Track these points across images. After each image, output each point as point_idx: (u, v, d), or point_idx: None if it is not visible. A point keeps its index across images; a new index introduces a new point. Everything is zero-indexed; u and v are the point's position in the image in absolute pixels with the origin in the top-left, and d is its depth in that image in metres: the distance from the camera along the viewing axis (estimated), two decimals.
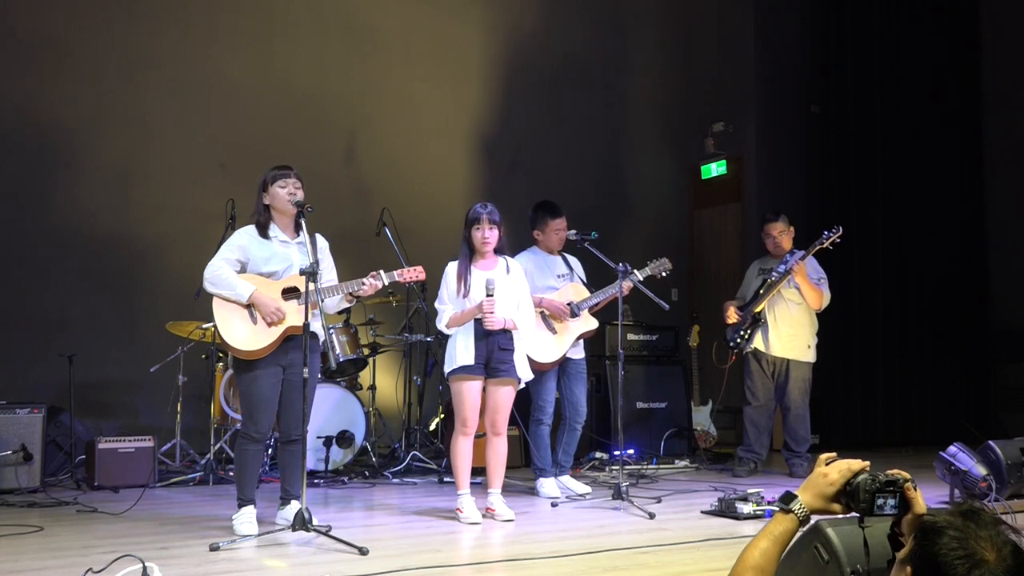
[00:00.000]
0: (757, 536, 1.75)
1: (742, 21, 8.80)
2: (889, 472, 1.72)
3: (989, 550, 1.31)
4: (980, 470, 4.77)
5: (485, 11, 8.38)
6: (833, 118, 8.44)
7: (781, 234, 6.19)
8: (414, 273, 4.42)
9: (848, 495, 1.71)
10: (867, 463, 1.73)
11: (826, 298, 6.08)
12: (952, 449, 4.92)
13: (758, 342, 6.11)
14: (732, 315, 6.17)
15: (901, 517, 1.70)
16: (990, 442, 4.91)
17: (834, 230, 5.91)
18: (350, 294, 4.28)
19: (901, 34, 8.63)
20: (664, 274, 5.53)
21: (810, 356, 6.14)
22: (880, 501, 1.68)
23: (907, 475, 1.72)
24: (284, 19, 7.58)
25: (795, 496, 1.75)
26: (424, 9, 8.10)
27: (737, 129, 8.78)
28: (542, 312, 5.29)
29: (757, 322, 6.10)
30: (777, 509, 1.77)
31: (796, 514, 1.73)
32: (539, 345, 5.24)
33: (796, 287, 6.00)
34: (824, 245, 5.95)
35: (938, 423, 8.20)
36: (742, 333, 6.11)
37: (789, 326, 6.07)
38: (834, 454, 1.79)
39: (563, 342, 5.36)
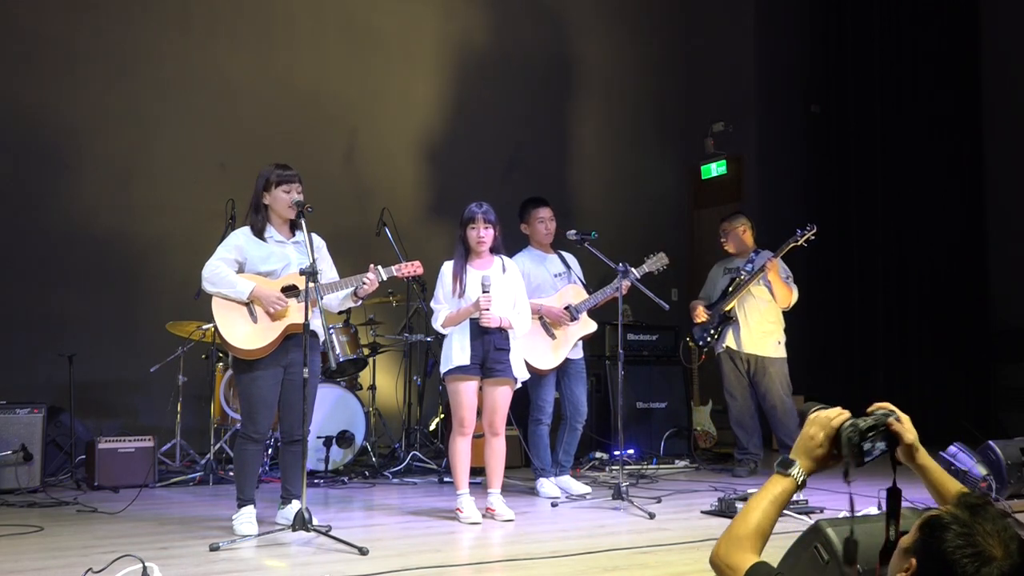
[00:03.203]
0: (755, 498, 1.73)
1: (742, 21, 8.80)
2: (870, 412, 1.71)
3: (996, 546, 1.30)
4: (980, 470, 4.77)
5: (485, 11, 8.38)
6: (833, 118, 8.45)
7: (744, 232, 6.21)
8: (411, 268, 4.43)
9: (838, 451, 1.70)
10: (846, 413, 1.71)
11: (794, 296, 6.08)
12: (952, 449, 4.92)
13: (729, 340, 6.11)
14: (701, 314, 6.18)
15: (893, 452, 1.71)
16: (990, 442, 4.91)
17: (808, 228, 5.89)
18: (354, 294, 4.27)
19: (901, 34, 8.63)
20: (662, 269, 5.50)
21: (782, 352, 6.14)
22: (868, 447, 1.67)
23: (887, 406, 1.72)
24: (284, 19, 7.58)
25: (794, 461, 1.74)
26: (424, 9, 8.10)
27: (737, 129, 8.78)
28: (540, 318, 5.28)
29: (727, 320, 6.10)
30: (775, 472, 1.75)
31: (795, 478, 1.72)
32: (538, 352, 5.22)
33: (767, 285, 6.00)
34: (799, 243, 5.93)
35: (938, 423, 8.19)
36: (712, 332, 6.12)
37: (760, 323, 6.08)
38: (818, 407, 1.75)
39: (562, 348, 5.34)
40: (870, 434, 1.67)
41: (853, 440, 1.66)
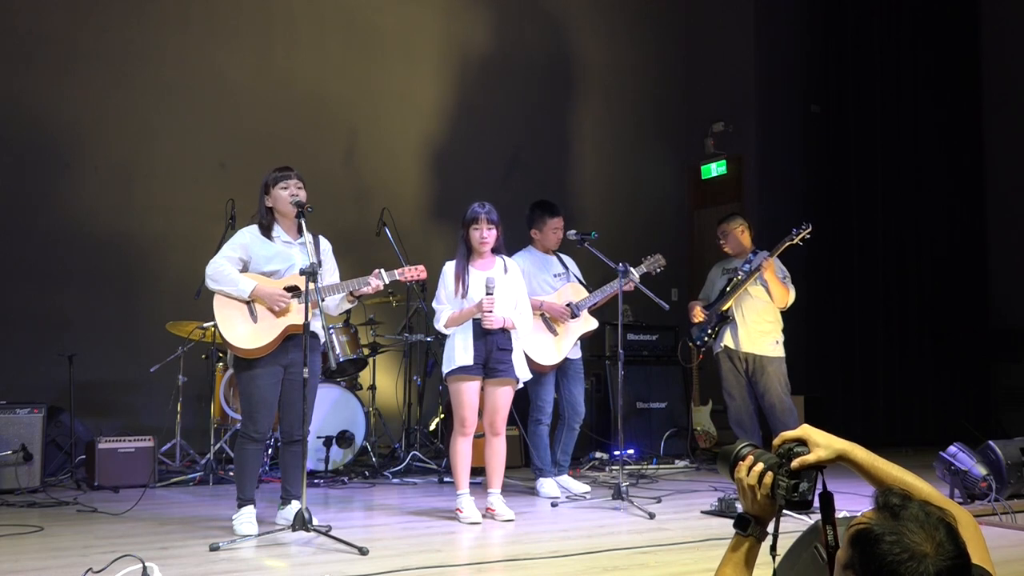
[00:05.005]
0: (722, 564, 1.77)
1: (742, 21, 8.80)
2: (775, 448, 1.71)
3: (926, 542, 1.34)
4: (980, 470, 4.77)
5: (485, 11, 8.38)
6: (833, 118, 8.45)
7: (742, 232, 6.20)
8: (415, 272, 4.42)
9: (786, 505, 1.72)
10: (757, 466, 1.72)
11: (792, 295, 6.07)
12: (952, 449, 4.92)
13: (727, 339, 6.11)
14: (698, 314, 6.18)
15: (822, 472, 1.71)
16: (990, 442, 4.92)
17: (803, 226, 5.88)
18: (351, 294, 4.28)
19: (901, 34, 8.64)
20: (659, 270, 5.54)
21: (779, 351, 6.12)
22: (804, 489, 1.68)
23: (789, 437, 1.70)
24: (284, 19, 7.58)
25: (749, 520, 1.77)
26: (424, 9, 8.11)
27: (737, 129, 8.78)
28: (542, 314, 5.29)
29: (724, 320, 6.10)
30: (735, 534, 1.79)
31: (754, 536, 1.77)
32: (540, 347, 5.24)
33: (764, 284, 6.00)
34: (794, 241, 5.91)
35: (938, 423, 8.20)
36: (709, 332, 6.12)
37: (757, 323, 6.07)
38: (740, 465, 1.76)
39: (564, 344, 5.36)
40: (797, 486, 1.68)
41: (789, 498, 1.68)
